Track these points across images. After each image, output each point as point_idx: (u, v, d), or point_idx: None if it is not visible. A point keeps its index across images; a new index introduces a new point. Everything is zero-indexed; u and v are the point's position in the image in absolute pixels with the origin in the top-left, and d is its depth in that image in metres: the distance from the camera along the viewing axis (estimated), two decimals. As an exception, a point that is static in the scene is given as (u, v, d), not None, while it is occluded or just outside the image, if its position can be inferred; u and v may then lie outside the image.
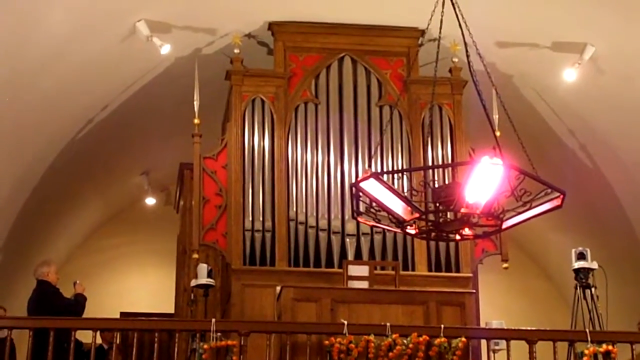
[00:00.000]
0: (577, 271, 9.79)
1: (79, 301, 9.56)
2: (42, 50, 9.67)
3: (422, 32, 10.64)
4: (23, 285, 10.87)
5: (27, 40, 9.36)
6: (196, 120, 10.20)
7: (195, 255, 10.18)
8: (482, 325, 9.68)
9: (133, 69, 11.02)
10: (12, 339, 8.83)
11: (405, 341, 8.30)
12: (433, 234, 6.59)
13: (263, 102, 10.61)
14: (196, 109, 10.18)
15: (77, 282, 9.83)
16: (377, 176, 6.29)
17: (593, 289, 9.73)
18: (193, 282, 9.94)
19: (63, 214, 13.42)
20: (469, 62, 7.07)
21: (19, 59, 9.51)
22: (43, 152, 11.30)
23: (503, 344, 8.75)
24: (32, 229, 12.44)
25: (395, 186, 7.21)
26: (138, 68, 11.04)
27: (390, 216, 6.46)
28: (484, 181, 6.13)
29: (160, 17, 10.22)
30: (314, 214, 10.27)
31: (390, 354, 8.25)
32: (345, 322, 8.36)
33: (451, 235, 6.64)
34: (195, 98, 10.18)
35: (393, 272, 9.67)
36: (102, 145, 12.21)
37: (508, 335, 8.72)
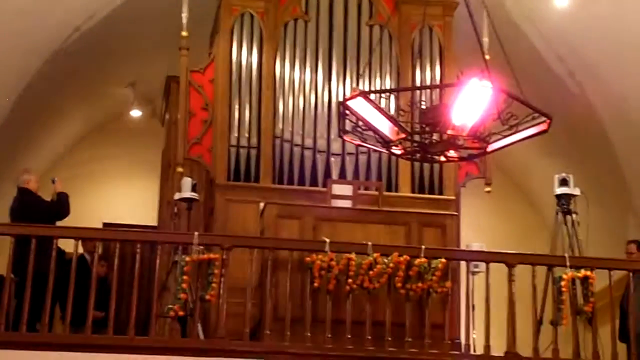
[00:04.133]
0: (559, 197, 9.86)
1: (62, 199, 9.43)
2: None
3: (416, -48, 10.51)
4: (4, 193, 10.84)
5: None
6: (184, 33, 10.11)
7: (180, 169, 10.19)
8: (463, 247, 9.76)
9: (121, -23, 10.87)
10: None
11: (385, 260, 8.34)
12: (418, 154, 6.60)
13: (252, 17, 10.51)
14: (184, 21, 10.08)
15: (56, 178, 9.63)
16: (365, 95, 6.28)
17: (574, 215, 9.80)
18: (177, 196, 9.91)
19: (48, 123, 13.33)
20: (461, -17, 7.00)
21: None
22: (29, 59, 11.16)
23: (482, 266, 8.78)
24: (16, 137, 12.37)
25: (383, 106, 7.18)
26: (126, -23, 10.90)
27: (377, 136, 6.46)
28: (472, 103, 6.12)
29: None
30: (300, 132, 10.26)
31: (371, 272, 8.27)
32: (327, 240, 8.39)
33: (436, 157, 6.66)
34: (183, 10, 10.07)
35: (376, 193, 9.70)
36: (89, 54, 12.06)
37: (487, 258, 8.76)
